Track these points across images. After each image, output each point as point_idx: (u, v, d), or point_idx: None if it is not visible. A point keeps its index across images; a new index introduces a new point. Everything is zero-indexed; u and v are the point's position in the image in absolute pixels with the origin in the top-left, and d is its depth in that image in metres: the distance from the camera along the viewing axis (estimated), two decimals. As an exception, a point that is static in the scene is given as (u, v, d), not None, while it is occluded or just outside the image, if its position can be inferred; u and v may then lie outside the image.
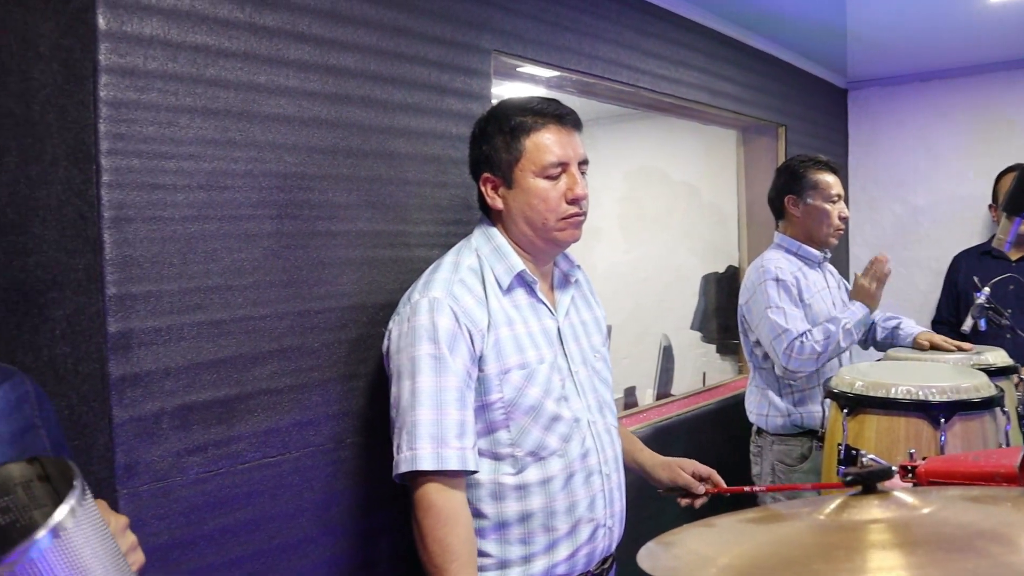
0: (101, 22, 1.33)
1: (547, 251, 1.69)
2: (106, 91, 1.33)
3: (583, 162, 1.66)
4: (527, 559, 1.60)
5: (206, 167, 1.46)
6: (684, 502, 1.90)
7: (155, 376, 1.39)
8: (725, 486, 1.91)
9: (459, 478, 1.53)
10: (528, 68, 2.32)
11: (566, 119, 1.65)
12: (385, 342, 1.62)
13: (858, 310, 2.65)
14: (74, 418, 1.34)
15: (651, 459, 1.96)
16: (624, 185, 4.61)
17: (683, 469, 1.90)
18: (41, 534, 0.76)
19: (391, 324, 1.62)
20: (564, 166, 1.62)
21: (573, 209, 1.63)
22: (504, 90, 2.49)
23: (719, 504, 1.89)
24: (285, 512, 1.59)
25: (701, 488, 1.89)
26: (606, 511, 1.69)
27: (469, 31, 1.99)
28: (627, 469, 1.96)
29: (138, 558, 0.99)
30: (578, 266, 1.82)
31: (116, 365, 1.35)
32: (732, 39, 3.26)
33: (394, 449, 1.54)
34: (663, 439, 2.83)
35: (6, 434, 1.02)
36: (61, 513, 0.78)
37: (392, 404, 1.56)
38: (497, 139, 1.64)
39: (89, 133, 1.32)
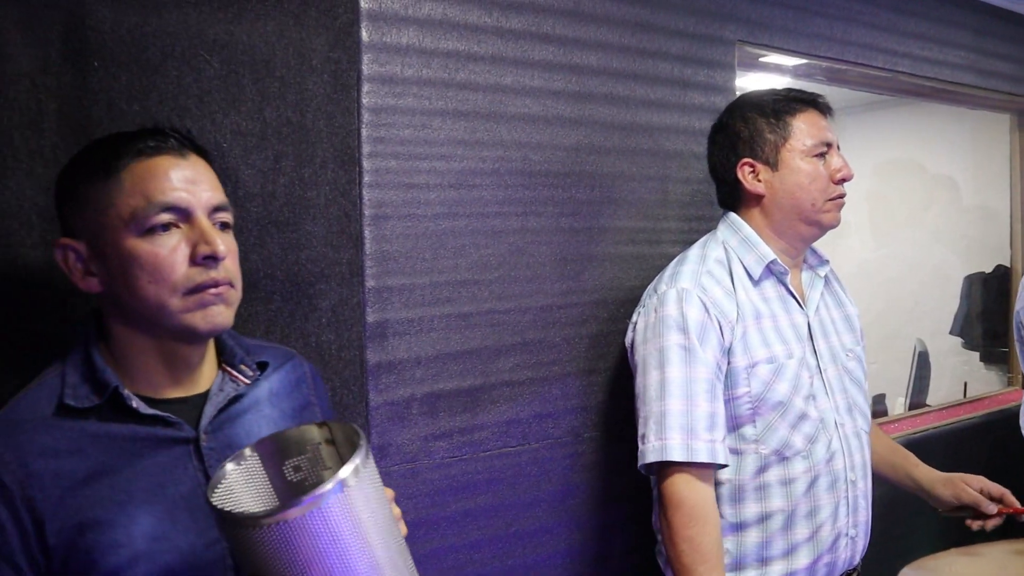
0: (364, 34, 1.43)
1: (807, 237, 1.64)
2: (368, 98, 1.43)
3: (838, 147, 1.63)
4: (763, 561, 1.55)
5: (456, 167, 1.53)
6: (975, 525, 1.73)
7: (407, 364, 1.48)
8: (1020, 506, 1.71)
9: (709, 472, 1.50)
10: (772, 57, 2.22)
11: (820, 103, 1.63)
12: (629, 334, 1.62)
13: None
14: (336, 399, 1.46)
15: (929, 475, 1.81)
16: (874, 178, 4.31)
17: (969, 485, 1.73)
18: (329, 486, 0.84)
19: (635, 316, 1.62)
20: (828, 147, 1.60)
21: (840, 190, 1.60)
22: (746, 81, 2.41)
23: (981, 532, 1.71)
24: (523, 501, 1.63)
25: (993, 508, 1.71)
26: (849, 519, 1.60)
27: (712, 22, 1.94)
28: (899, 485, 1.84)
29: (401, 529, 1.06)
30: (827, 261, 1.73)
31: (373, 352, 1.45)
32: (1007, 11, 2.94)
33: (639, 439, 1.53)
34: (917, 453, 2.60)
35: (288, 410, 1.15)
36: (348, 469, 0.86)
37: (637, 395, 1.56)
38: (760, 122, 1.61)
39: (353, 137, 1.43)
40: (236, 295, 1.03)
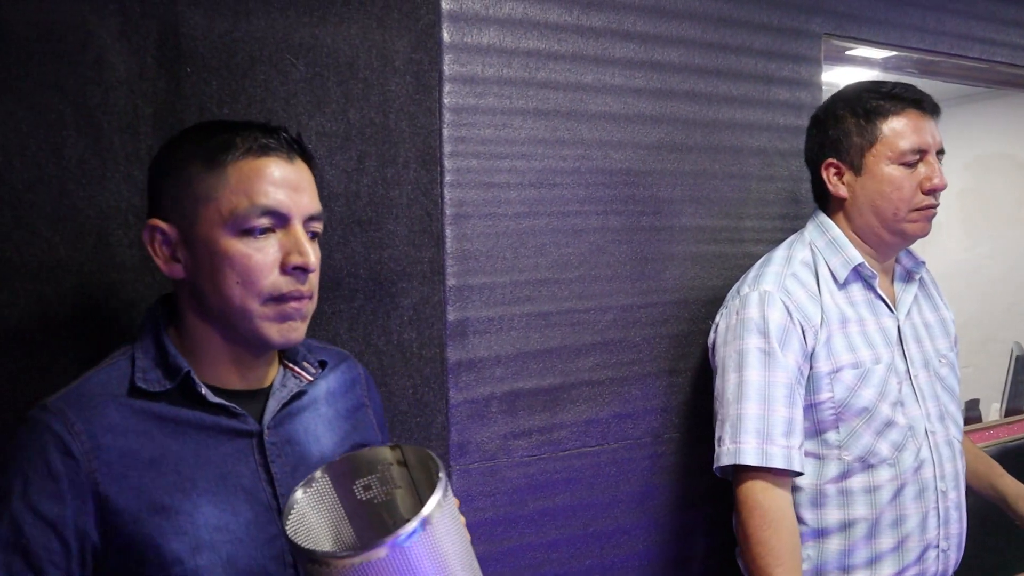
0: (446, 35, 1.44)
1: (892, 245, 1.58)
2: (450, 98, 1.45)
3: (940, 151, 1.55)
4: (846, 570, 1.52)
5: (537, 165, 1.53)
6: None
7: (487, 363, 1.49)
8: None
9: (785, 478, 1.47)
10: (860, 50, 2.15)
11: (924, 104, 1.54)
12: (711, 335, 1.60)
13: None
14: (417, 397, 1.47)
15: (1015, 488, 1.74)
16: (967, 174, 4.15)
17: None
18: (413, 525, 0.83)
19: (718, 317, 1.60)
20: (922, 154, 1.52)
21: (928, 200, 1.52)
22: (832, 76, 2.34)
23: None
24: (601, 501, 1.62)
25: None
26: (939, 531, 1.54)
27: (798, 16, 1.89)
28: (980, 494, 1.77)
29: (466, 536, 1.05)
30: (922, 262, 1.66)
31: (453, 351, 1.46)
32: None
33: (715, 441, 1.52)
34: (1011, 463, 2.49)
35: (343, 410, 1.15)
36: (431, 505, 0.85)
37: (716, 397, 1.54)
38: (849, 122, 1.56)
39: (435, 138, 1.44)
40: (312, 307, 1.03)
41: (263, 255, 0.96)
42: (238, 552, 0.96)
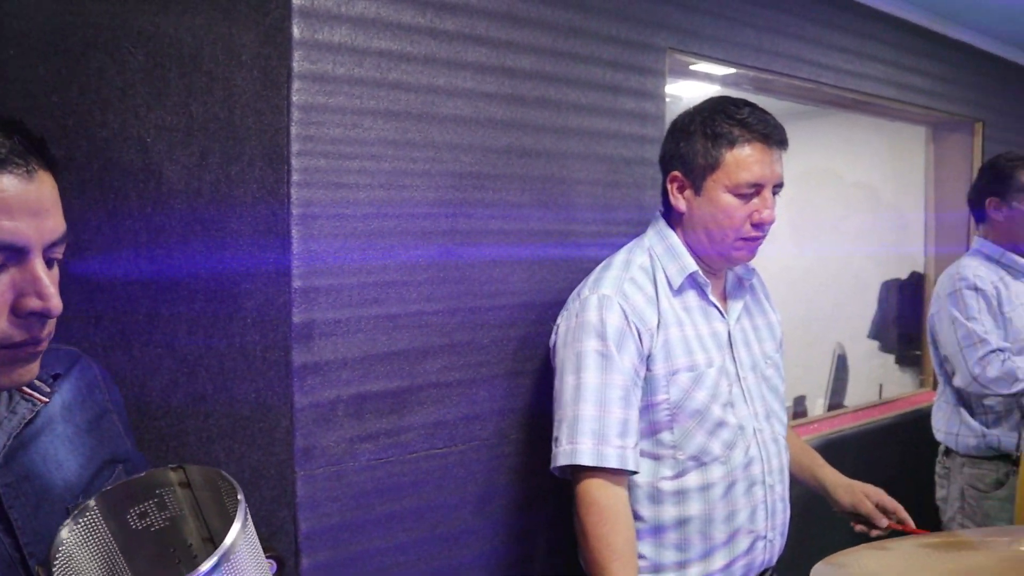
0: (296, 31, 1.41)
1: (718, 262, 1.65)
2: (298, 96, 1.41)
3: (778, 185, 1.59)
4: (682, 565, 1.58)
5: (387, 167, 1.52)
6: (859, 528, 1.79)
7: (333, 365, 1.47)
8: (913, 525, 1.76)
9: (621, 476, 1.52)
10: (702, 66, 2.26)
11: (772, 138, 1.56)
12: (552, 337, 1.64)
13: None
14: (260, 402, 1.43)
15: (833, 478, 1.85)
16: (796, 186, 4.42)
17: (868, 497, 1.77)
18: (211, 562, 0.74)
19: (559, 319, 1.63)
20: (758, 188, 1.56)
21: (755, 233, 1.58)
22: (676, 88, 2.45)
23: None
24: (449, 503, 1.63)
25: (884, 522, 1.75)
26: (767, 523, 1.64)
27: (644, 29, 1.97)
28: (804, 484, 1.89)
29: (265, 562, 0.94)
30: (753, 269, 1.76)
31: (299, 354, 1.43)
32: (924, 28, 3.06)
33: (552, 441, 1.55)
34: (834, 453, 2.69)
35: (84, 423, 0.99)
36: (232, 536, 0.77)
37: (554, 397, 1.58)
38: (698, 141, 1.58)
39: (282, 135, 1.40)
40: (50, 337, 0.85)
41: None
42: None
